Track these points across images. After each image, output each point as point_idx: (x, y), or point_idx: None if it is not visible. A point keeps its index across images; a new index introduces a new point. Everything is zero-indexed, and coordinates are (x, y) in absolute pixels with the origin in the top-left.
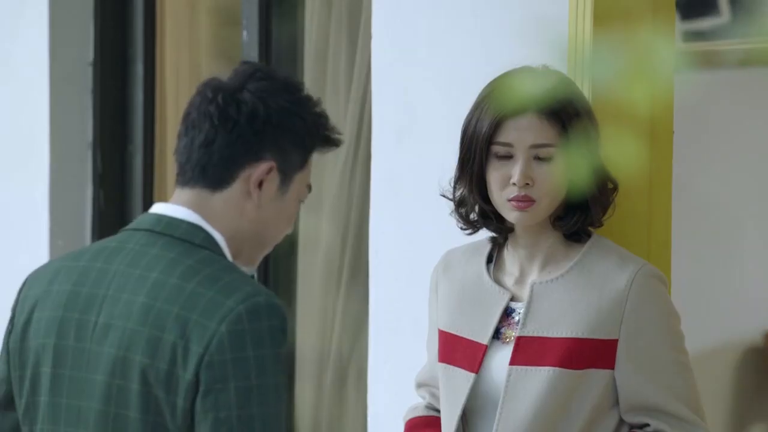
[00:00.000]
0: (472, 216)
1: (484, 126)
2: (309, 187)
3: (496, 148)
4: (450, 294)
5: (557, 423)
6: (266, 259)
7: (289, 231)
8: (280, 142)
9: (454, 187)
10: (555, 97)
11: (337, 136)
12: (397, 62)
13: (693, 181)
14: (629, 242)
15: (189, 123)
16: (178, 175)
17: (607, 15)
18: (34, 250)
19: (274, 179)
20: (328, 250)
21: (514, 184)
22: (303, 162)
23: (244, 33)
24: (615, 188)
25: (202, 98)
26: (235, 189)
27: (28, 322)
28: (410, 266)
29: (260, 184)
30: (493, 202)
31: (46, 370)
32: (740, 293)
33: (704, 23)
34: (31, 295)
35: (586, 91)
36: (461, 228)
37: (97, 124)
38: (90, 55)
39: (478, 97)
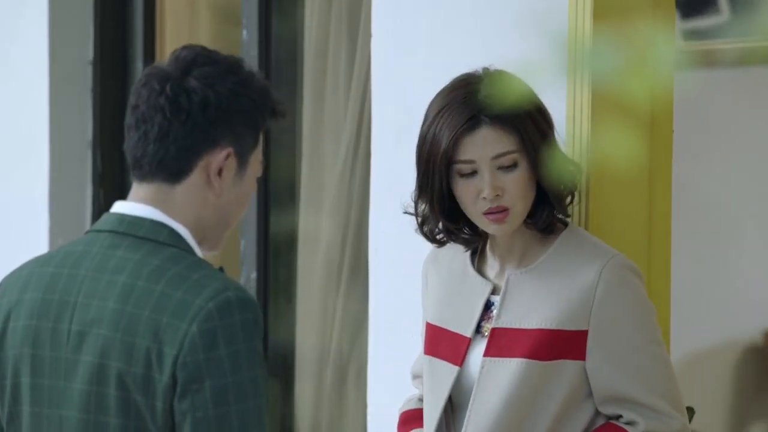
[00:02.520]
0: (437, 231)
1: (442, 145)
2: (262, 162)
3: (459, 167)
4: (438, 286)
5: (526, 414)
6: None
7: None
8: (233, 125)
9: (416, 204)
10: (504, 103)
11: (281, 106)
12: (397, 61)
13: (693, 181)
14: (629, 241)
15: (139, 116)
16: (133, 169)
17: (607, 11)
18: (34, 250)
19: (232, 165)
20: (328, 248)
21: (484, 198)
22: (256, 140)
23: (244, 32)
24: (578, 171)
25: (150, 90)
26: (195, 179)
27: (4, 331)
28: (410, 265)
29: (219, 172)
30: (469, 217)
31: (25, 380)
32: (740, 292)
33: (704, 22)
34: (5, 303)
35: (586, 87)
36: (431, 243)
37: (96, 123)
38: (90, 54)
39: (429, 113)
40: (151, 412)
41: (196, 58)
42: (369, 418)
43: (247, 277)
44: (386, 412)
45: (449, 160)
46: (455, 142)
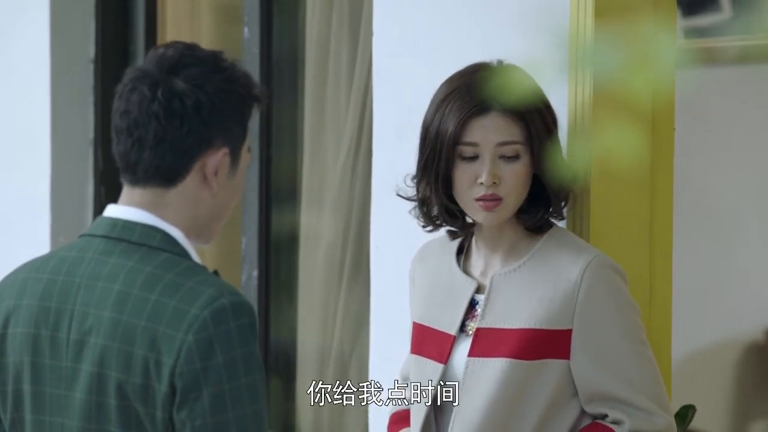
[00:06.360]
0: (434, 213)
1: (449, 126)
2: (249, 149)
3: (462, 149)
4: (424, 286)
5: (512, 413)
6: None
7: None
8: (225, 123)
9: (417, 185)
10: (516, 94)
11: (263, 92)
12: (399, 58)
13: (694, 178)
14: (630, 238)
15: (130, 122)
16: (125, 173)
17: (608, 8)
18: (36, 247)
19: (226, 162)
20: (330, 246)
21: (481, 183)
22: (244, 133)
23: (246, 30)
24: (576, 177)
25: (141, 96)
26: (190, 180)
27: (3, 337)
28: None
29: (216, 172)
30: (460, 202)
31: (27, 387)
32: (741, 290)
33: (705, 20)
34: (3, 308)
35: (587, 85)
36: (422, 226)
37: (98, 120)
38: (91, 52)
39: (438, 96)
40: (151, 421)
41: (181, 59)
42: (370, 416)
43: (249, 276)
44: (388, 410)
45: (455, 140)
46: (463, 124)
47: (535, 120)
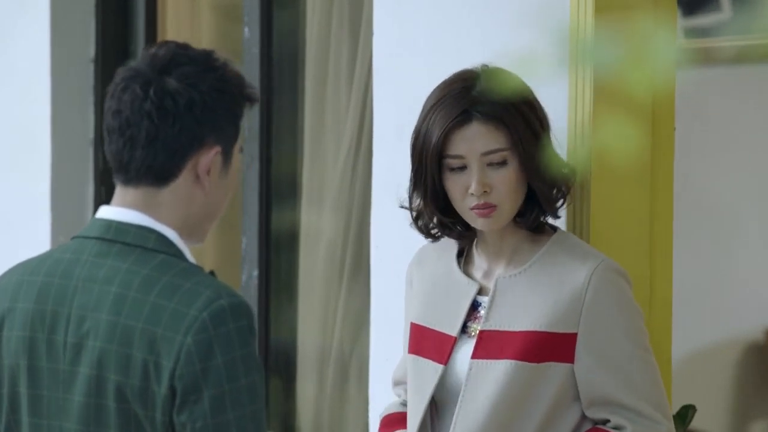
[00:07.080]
0: (431, 226)
1: (432, 140)
2: (241, 149)
3: (449, 161)
4: (422, 288)
5: (515, 416)
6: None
7: None
8: (217, 122)
9: (410, 198)
10: (496, 100)
11: (255, 92)
12: (399, 58)
13: (694, 178)
14: (630, 237)
15: (122, 121)
16: (117, 173)
17: (609, 5)
18: (36, 247)
19: (218, 161)
20: (330, 245)
21: (472, 193)
22: (237, 132)
23: (246, 30)
24: (573, 174)
25: (133, 95)
26: (182, 180)
27: None
28: None
29: (208, 171)
30: (458, 212)
31: (23, 390)
32: (741, 290)
33: (705, 20)
34: None
35: (588, 82)
36: (425, 237)
37: (98, 120)
38: (91, 51)
39: (425, 107)
40: (151, 423)
41: (173, 58)
42: (370, 415)
43: (249, 275)
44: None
45: (440, 154)
46: (446, 137)
47: (519, 124)
